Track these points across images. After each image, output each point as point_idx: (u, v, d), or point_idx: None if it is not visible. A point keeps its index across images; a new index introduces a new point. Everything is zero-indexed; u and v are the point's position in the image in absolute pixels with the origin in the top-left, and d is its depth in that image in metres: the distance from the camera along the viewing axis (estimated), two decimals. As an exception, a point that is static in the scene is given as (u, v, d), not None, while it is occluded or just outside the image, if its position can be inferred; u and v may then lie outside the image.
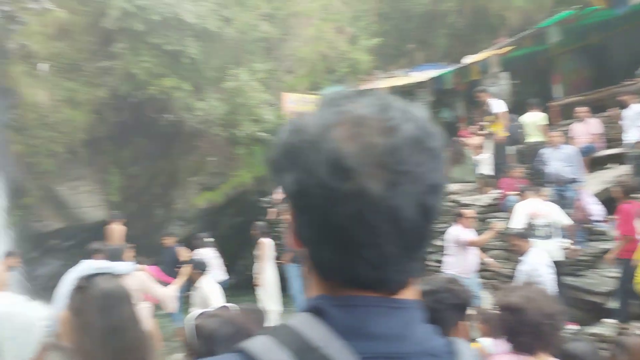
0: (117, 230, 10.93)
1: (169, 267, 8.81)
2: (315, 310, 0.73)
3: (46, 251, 12.64)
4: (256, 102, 15.15)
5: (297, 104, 16.07)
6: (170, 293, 5.87)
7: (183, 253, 9.47)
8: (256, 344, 0.72)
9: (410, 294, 0.76)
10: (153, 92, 13.74)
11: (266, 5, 18.23)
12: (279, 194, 13.88)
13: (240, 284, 10.72)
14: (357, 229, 0.69)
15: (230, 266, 10.70)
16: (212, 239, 10.26)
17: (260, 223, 10.44)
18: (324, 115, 0.74)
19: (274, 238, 10.14)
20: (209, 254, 9.33)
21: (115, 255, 6.14)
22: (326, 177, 0.69)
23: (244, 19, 16.83)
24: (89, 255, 6.02)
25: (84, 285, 1.78)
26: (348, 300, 0.73)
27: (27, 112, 13.01)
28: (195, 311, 1.98)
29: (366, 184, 0.69)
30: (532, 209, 7.52)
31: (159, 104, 14.04)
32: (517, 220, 7.49)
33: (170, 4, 14.29)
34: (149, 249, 10.05)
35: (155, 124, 14.19)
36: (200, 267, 6.56)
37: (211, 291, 6.26)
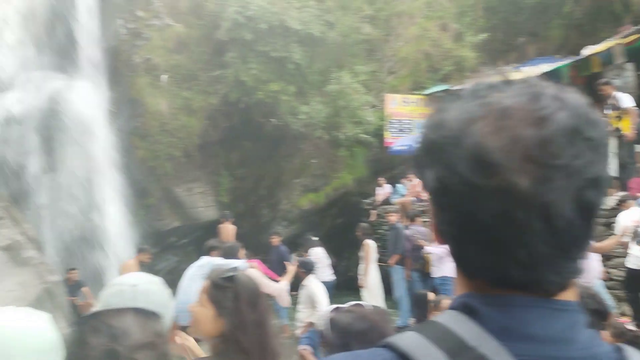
0: (228, 229, 11.53)
1: (276, 265, 9.12)
2: (465, 309, 0.70)
3: (165, 248, 13.71)
4: (358, 105, 15.22)
5: (400, 105, 15.90)
6: (282, 288, 6.19)
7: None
8: (405, 339, 0.69)
9: (570, 296, 0.70)
10: (260, 97, 14.35)
11: (368, 7, 18.27)
12: (379, 196, 13.84)
13: (341, 285, 10.80)
14: (503, 228, 0.65)
15: (331, 267, 10.83)
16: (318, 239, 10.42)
17: (363, 224, 10.41)
18: (465, 108, 0.70)
19: (375, 240, 10.09)
20: (318, 254, 9.50)
21: (231, 253, 6.51)
22: (469, 173, 0.66)
23: (346, 22, 17.00)
24: (205, 252, 6.46)
25: (226, 282, 1.87)
26: (503, 299, 0.68)
27: (150, 119, 14.19)
28: (330, 306, 2.06)
29: (513, 180, 0.64)
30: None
31: (265, 108, 14.63)
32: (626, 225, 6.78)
33: (277, 13, 14.83)
34: (256, 247, 10.52)
35: (262, 128, 14.80)
36: (306, 267, 6.70)
37: (317, 290, 6.36)
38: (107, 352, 0.91)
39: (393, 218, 10.03)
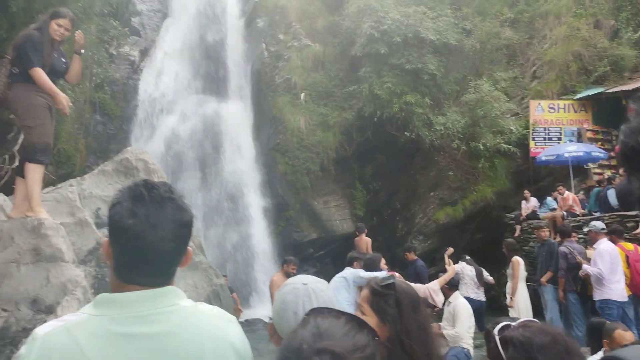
0: (365, 241, 11.58)
1: (413, 280, 8.90)
2: None
3: (303, 259, 14.22)
4: (499, 113, 14.40)
5: (546, 112, 14.74)
6: (433, 288, 6.24)
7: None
8: (632, 352, 0.69)
9: None
10: (394, 111, 14.28)
11: (509, 11, 17.32)
12: (524, 210, 12.88)
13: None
14: None
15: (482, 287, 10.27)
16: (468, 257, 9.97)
17: (509, 240, 9.72)
18: None
19: (521, 257, 9.38)
20: (467, 272, 9.06)
21: (372, 264, 6.60)
22: None
23: (484, 28, 16.29)
24: (348, 263, 6.62)
25: (387, 289, 1.90)
26: None
27: (289, 136, 14.92)
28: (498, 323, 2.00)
29: None
30: None
31: (399, 121, 14.53)
32: None
33: (412, 25, 14.70)
34: (391, 261, 10.42)
35: (396, 141, 14.71)
36: (451, 283, 6.49)
37: (461, 308, 6.11)
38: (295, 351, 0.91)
39: (544, 233, 9.21)
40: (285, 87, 15.70)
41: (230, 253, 13.65)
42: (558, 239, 8.99)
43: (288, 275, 7.99)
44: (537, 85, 15.57)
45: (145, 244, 1.24)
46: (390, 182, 15.34)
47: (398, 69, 14.76)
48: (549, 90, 15.14)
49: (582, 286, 7.89)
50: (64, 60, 4.58)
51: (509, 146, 14.01)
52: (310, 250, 14.43)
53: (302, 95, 15.52)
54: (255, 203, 14.52)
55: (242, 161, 15.07)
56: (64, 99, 4.35)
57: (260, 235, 13.97)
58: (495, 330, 2.02)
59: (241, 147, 15.28)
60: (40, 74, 4.23)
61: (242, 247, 13.92)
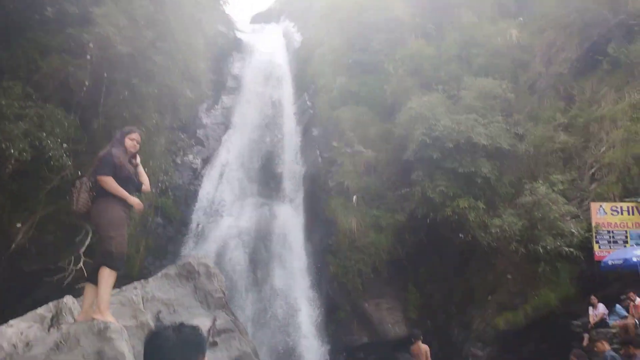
0: (423, 349, 10.94)
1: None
2: None
3: (354, 364, 13.55)
4: (557, 215, 13.89)
5: (609, 214, 14.08)
6: None
7: None
8: None
9: None
10: (448, 213, 14.14)
11: (562, 116, 17.38)
12: (592, 317, 11.87)
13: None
14: None
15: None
16: None
17: (577, 350, 8.93)
18: None
19: (590, 368, 8.51)
20: None
21: None
22: None
23: (537, 132, 16.35)
24: None
25: None
26: None
27: (341, 237, 14.99)
28: None
29: None
30: None
31: (453, 223, 14.29)
32: None
33: (463, 131, 15.01)
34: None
35: (450, 243, 14.38)
36: None
37: None
38: None
39: (603, 346, 8.49)
40: (338, 190, 16.10)
41: (279, 355, 13.23)
42: (633, 351, 8.13)
43: None
44: (596, 187, 15.06)
45: None
46: (445, 285, 14.75)
47: (451, 172, 14.86)
48: (610, 193, 14.56)
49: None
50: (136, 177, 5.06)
51: (571, 249, 13.29)
52: (360, 354, 13.74)
53: (354, 197, 15.80)
54: (306, 305, 14.30)
55: (295, 262, 15.15)
56: (136, 202, 4.82)
57: (310, 338, 13.55)
58: None
59: (294, 248, 15.45)
60: (110, 181, 4.69)
61: (289, 355, 13.48)
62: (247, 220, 15.90)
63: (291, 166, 17.82)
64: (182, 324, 1.82)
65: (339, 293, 14.41)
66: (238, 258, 15.16)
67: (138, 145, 5.05)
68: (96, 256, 5.09)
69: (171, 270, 6.71)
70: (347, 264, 14.49)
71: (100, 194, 4.72)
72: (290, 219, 16.16)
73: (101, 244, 4.76)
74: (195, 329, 1.82)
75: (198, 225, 16.17)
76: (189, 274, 6.46)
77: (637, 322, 10.61)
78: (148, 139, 12.17)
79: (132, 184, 4.90)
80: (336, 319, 14.16)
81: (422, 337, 10.63)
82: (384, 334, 13.92)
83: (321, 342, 13.68)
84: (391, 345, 13.43)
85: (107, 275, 4.59)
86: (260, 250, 15.35)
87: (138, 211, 4.81)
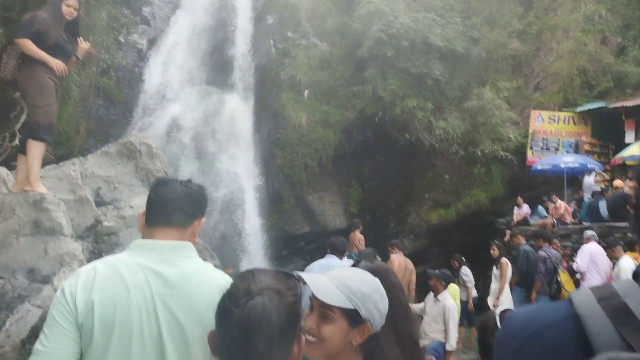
0: (358, 237, 11.61)
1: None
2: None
3: (294, 251, 14.26)
4: (499, 121, 14.44)
5: (546, 123, 14.76)
6: None
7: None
8: (578, 295, 0.76)
9: None
10: (396, 113, 14.36)
11: (518, 22, 17.39)
12: (516, 216, 12.87)
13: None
14: None
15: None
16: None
17: (499, 243, 9.86)
18: None
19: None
20: (466, 272, 9.42)
21: (367, 259, 6.61)
22: None
23: (492, 37, 16.37)
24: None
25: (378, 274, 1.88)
26: None
27: (290, 131, 15.03)
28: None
29: None
30: None
31: (400, 123, 14.59)
32: None
33: (420, 30, 14.79)
34: (380, 258, 10.40)
35: (396, 143, 14.77)
36: (445, 279, 6.51)
37: (454, 310, 6.34)
38: (245, 290, 1.19)
39: (519, 240, 9.44)
40: (290, 83, 15.84)
41: (223, 240, 13.71)
42: (540, 243, 9.08)
43: None
44: (539, 96, 15.59)
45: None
46: (386, 182, 15.37)
47: (403, 72, 14.85)
48: (551, 102, 15.16)
49: (557, 290, 8.09)
50: (70, 45, 4.74)
51: (507, 153, 14.03)
52: (301, 243, 14.47)
53: (306, 92, 15.65)
54: (251, 194, 14.61)
55: (240, 153, 15.19)
56: (56, 63, 4.49)
57: (253, 225, 14.04)
58: (497, 311, 2.49)
59: (241, 139, 15.41)
60: (27, 43, 4.39)
61: (233, 236, 13.98)
62: (195, 108, 15.55)
63: (243, 54, 17.19)
64: (189, 180, 1.85)
65: (285, 185, 14.76)
66: (184, 145, 15.01)
67: (75, 13, 4.72)
68: (25, 126, 4.96)
69: (111, 148, 6.56)
70: (294, 158, 14.70)
71: (26, 59, 4.45)
72: (239, 109, 15.92)
73: (28, 113, 4.59)
74: (201, 188, 1.84)
75: (143, 109, 15.70)
76: (130, 153, 6.35)
77: (555, 222, 11.62)
78: (87, 12, 11.31)
79: (64, 53, 4.64)
80: (280, 209, 14.63)
81: (361, 228, 11.24)
82: (324, 225, 14.59)
83: (264, 229, 14.21)
84: (330, 235, 14.11)
85: (34, 147, 4.45)
86: (207, 139, 15.22)
87: (59, 73, 4.55)
